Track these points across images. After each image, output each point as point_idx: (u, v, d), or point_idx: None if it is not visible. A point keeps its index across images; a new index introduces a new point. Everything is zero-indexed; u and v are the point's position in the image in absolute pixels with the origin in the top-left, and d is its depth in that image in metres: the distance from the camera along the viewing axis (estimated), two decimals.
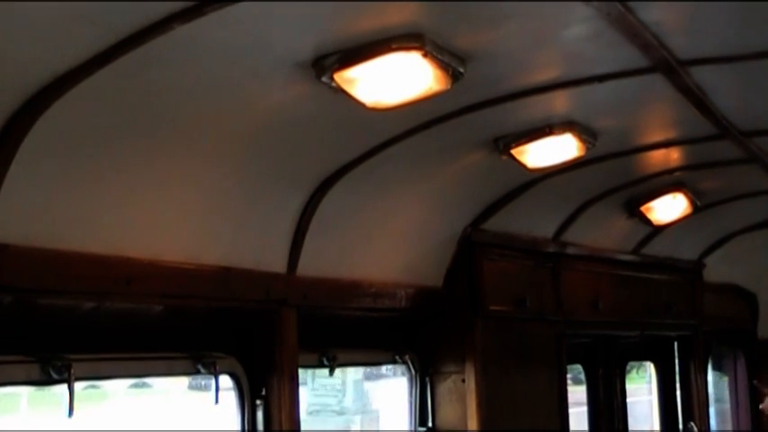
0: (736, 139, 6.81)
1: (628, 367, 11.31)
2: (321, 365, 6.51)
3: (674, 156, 7.57)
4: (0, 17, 3.36)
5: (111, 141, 4.36)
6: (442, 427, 7.56)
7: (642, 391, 13.39)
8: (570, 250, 8.66)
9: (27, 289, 4.30)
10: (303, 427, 6.09)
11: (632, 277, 9.81)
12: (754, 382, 11.12)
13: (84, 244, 4.49)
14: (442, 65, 4.54)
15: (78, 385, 4.71)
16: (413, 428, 7.56)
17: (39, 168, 4.11)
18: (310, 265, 5.94)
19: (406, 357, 7.47)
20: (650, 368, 11.88)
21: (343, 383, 17.96)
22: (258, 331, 5.87)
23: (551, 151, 6.33)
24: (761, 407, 10.46)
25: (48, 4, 3.37)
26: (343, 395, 18.27)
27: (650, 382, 11.96)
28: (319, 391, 17.62)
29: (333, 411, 18.00)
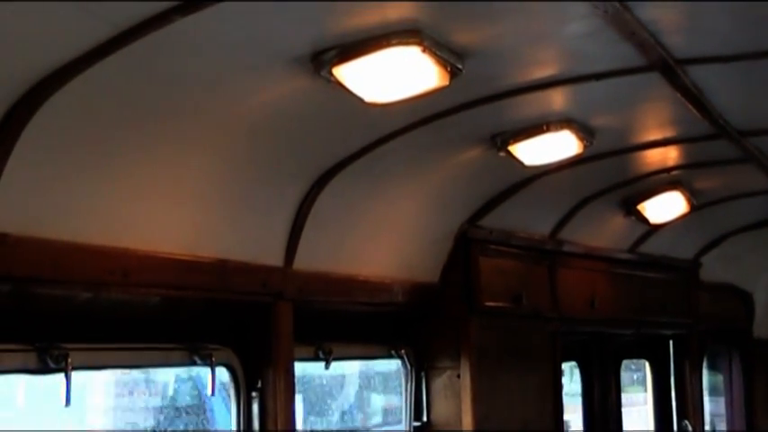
0: (732, 138, 6.83)
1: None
2: (317, 359, 6.54)
3: (671, 154, 7.58)
4: (1, 8, 3.38)
5: (109, 133, 4.38)
6: (437, 421, 7.58)
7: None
8: (567, 248, 8.68)
9: (26, 278, 4.32)
10: None
11: (628, 275, 9.81)
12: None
13: (82, 234, 4.51)
14: (441, 61, 4.56)
15: None
16: (408, 423, 7.60)
17: (38, 159, 4.13)
18: (307, 259, 5.97)
19: (402, 352, 7.50)
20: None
21: None
22: (254, 324, 5.90)
23: (548, 148, 6.34)
24: None
25: None
26: None
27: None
28: None
29: None
